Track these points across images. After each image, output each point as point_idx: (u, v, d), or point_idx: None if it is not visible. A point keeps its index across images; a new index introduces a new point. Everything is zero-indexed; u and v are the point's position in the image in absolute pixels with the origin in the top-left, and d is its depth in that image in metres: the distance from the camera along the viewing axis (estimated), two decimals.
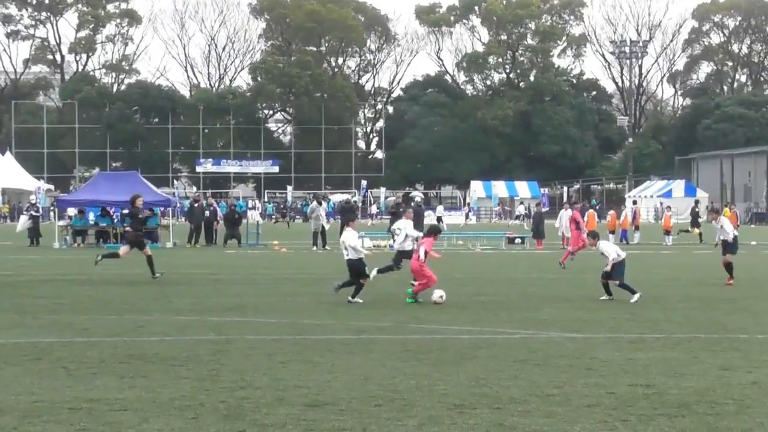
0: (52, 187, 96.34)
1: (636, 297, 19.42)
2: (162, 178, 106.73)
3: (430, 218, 67.64)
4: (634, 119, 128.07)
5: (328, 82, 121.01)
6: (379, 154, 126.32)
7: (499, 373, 11.64)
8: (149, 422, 9.09)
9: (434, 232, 21.40)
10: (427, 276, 19.70)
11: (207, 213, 45.28)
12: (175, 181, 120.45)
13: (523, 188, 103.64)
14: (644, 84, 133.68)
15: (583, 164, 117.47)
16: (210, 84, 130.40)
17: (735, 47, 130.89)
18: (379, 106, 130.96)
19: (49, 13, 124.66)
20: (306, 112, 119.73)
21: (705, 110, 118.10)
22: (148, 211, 31.91)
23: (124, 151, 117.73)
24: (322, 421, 9.16)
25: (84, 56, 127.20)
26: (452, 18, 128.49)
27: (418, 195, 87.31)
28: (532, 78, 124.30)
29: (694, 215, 51.87)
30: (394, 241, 21.10)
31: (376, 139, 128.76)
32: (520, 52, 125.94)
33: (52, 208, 69.07)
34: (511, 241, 44.46)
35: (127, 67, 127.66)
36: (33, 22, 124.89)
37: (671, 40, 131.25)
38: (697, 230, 48.91)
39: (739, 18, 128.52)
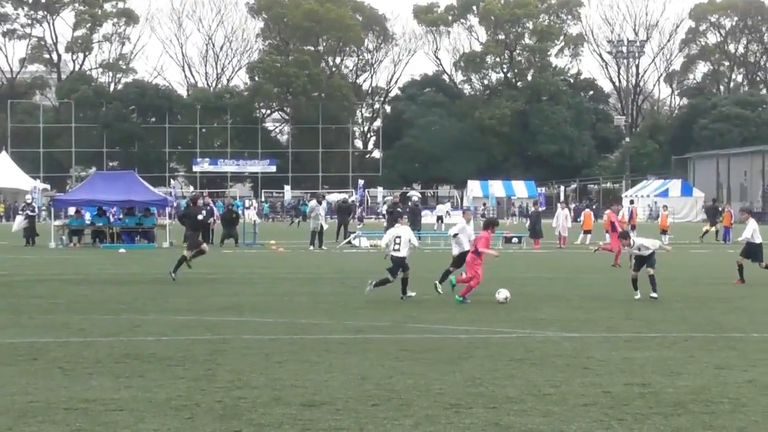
0: (48, 186, 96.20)
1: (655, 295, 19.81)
2: (159, 178, 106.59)
3: (427, 218, 67.81)
4: (631, 119, 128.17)
5: (326, 81, 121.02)
6: (377, 154, 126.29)
7: (495, 372, 11.64)
8: (145, 422, 9.08)
9: (491, 224, 20.83)
10: (475, 271, 19.60)
11: (204, 213, 45.23)
12: (172, 181, 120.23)
13: (521, 188, 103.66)
14: (641, 84, 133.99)
15: (580, 164, 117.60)
16: (207, 83, 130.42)
17: (731, 47, 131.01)
18: (377, 106, 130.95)
19: (45, 12, 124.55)
20: (303, 112, 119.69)
21: (701, 110, 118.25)
22: (204, 212, 31.30)
23: (120, 151, 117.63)
24: (318, 420, 9.15)
25: (81, 55, 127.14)
26: (450, 17, 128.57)
27: (415, 195, 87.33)
28: (529, 77, 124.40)
29: (714, 212, 51.31)
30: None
31: (374, 138, 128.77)
32: (517, 51, 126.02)
33: (44, 207, 68.95)
34: (508, 240, 44.45)
35: (124, 67, 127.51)
36: (29, 21, 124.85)
37: (668, 40, 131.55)
38: (713, 228, 49.20)
39: (736, 18, 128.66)
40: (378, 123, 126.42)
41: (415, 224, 45.38)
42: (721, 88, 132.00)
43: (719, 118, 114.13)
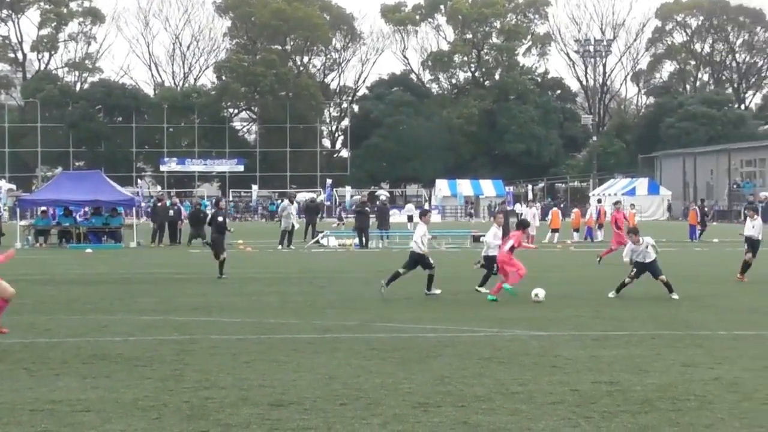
0: (14, 186, 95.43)
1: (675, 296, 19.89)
2: (126, 178, 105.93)
3: (396, 217, 67.71)
4: (598, 118, 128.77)
5: (294, 80, 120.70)
6: (345, 153, 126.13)
7: (463, 371, 11.66)
8: (112, 423, 9.03)
9: (523, 226, 22.22)
10: (516, 265, 20.03)
11: (171, 212, 45.13)
12: (139, 180, 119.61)
13: (488, 187, 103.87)
14: (608, 83, 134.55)
15: (547, 162, 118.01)
16: (174, 83, 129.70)
17: (697, 46, 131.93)
18: (345, 105, 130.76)
19: (10, 11, 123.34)
20: (271, 111, 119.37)
21: (668, 109, 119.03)
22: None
23: (87, 151, 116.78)
24: (286, 420, 9.13)
25: (46, 54, 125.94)
26: (417, 17, 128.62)
27: (383, 194, 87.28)
28: (497, 77, 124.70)
29: (702, 214, 51.28)
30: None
31: (342, 137, 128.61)
32: (485, 50, 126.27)
33: (5, 207, 68.37)
34: (476, 239, 44.52)
35: (90, 66, 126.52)
36: None
37: (635, 39, 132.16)
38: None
39: (702, 18, 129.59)
40: (346, 122, 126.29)
41: (383, 224, 45.40)
42: (688, 87, 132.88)
43: (685, 117, 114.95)
